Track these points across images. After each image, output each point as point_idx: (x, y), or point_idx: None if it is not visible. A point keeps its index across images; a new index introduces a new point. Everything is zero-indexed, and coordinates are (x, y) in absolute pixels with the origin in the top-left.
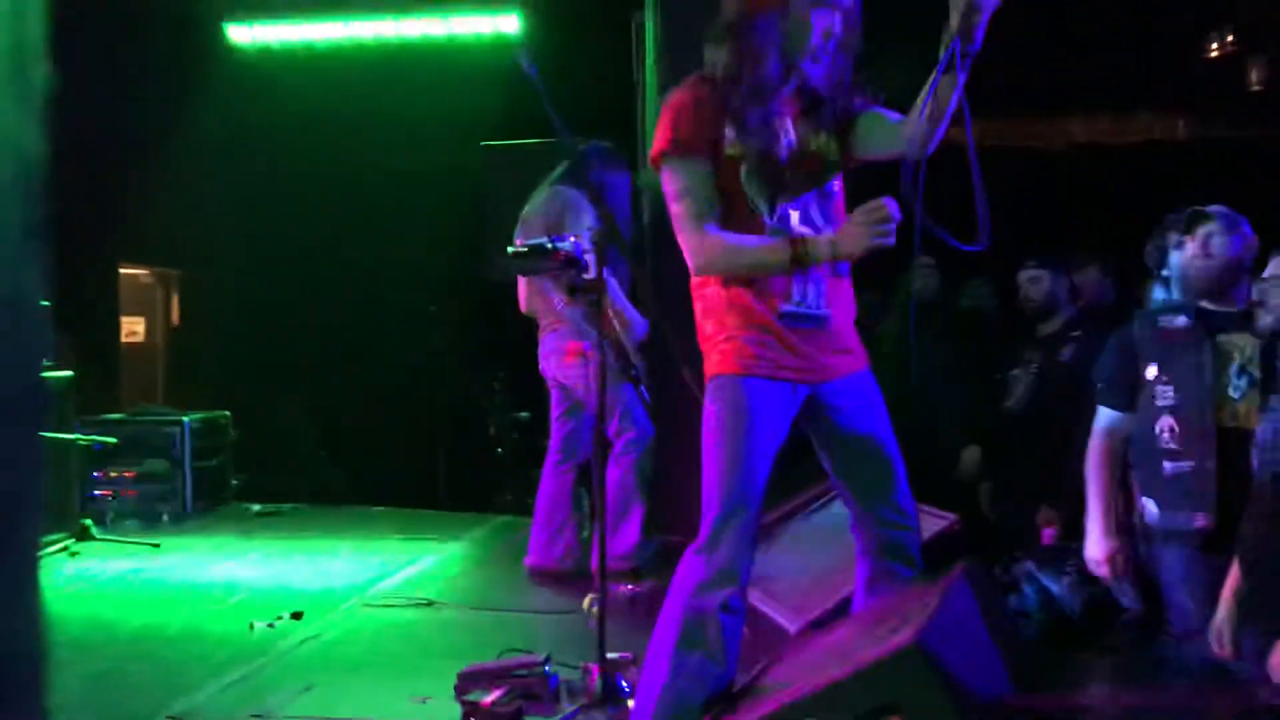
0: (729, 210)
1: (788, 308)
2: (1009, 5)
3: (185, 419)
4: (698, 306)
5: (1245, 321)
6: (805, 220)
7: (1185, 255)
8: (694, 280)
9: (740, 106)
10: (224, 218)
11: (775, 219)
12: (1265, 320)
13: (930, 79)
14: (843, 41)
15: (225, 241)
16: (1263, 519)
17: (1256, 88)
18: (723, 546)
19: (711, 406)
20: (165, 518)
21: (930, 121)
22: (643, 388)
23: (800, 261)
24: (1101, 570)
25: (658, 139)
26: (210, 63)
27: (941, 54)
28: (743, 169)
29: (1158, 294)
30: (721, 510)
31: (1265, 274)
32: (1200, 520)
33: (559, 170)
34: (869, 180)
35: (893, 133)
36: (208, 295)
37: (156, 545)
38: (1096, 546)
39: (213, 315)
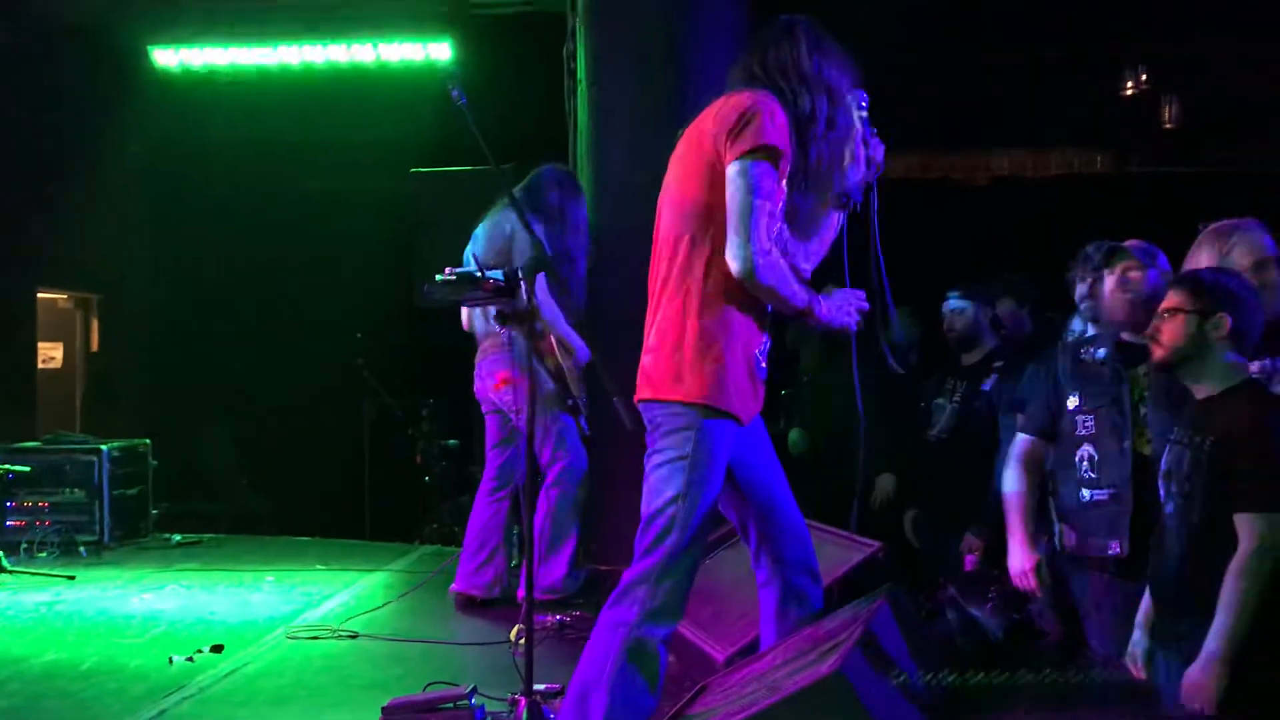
0: None
1: (760, 351)
2: (936, 39)
3: (104, 447)
4: (679, 314)
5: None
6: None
7: (1104, 289)
8: (690, 290)
9: (807, 158)
10: (146, 242)
11: (789, 258)
12: (1157, 353)
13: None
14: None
15: (147, 266)
16: (1177, 554)
17: (1169, 125)
18: (669, 585)
19: (675, 435)
20: (82, 549)
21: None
22: (582, 418)
23: (808, 312)
24: (1027, 581)
25: (763, 132)
26: (133, 86)
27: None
28: (786, 198)
29: (1075, 325)
30: (674, 550)
31: (1160, 308)
32: (1115, 547)
33: (514, 191)
34: None
35: None
36: (128, 320)
37: (71, 577)
38: (1019, 558)
39: (133, 341)
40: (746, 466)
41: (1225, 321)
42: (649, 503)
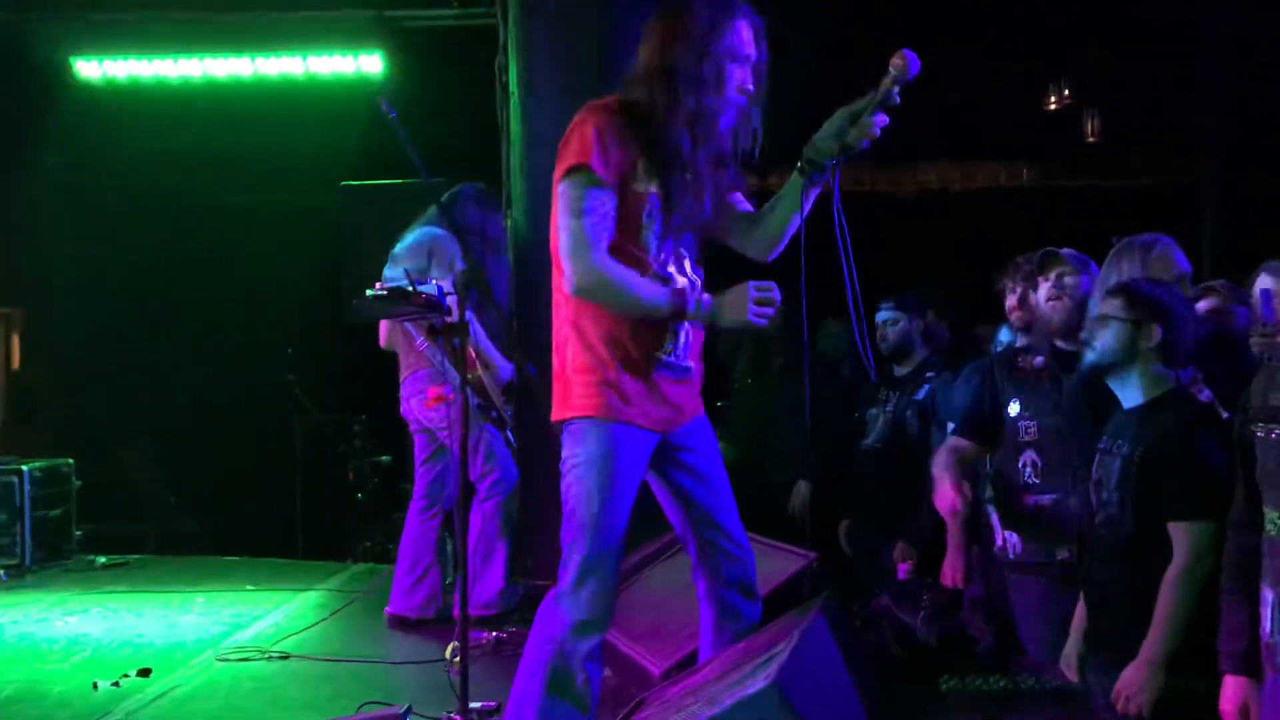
0: (620, 244)
1: (664, 357)
2: (862, 53)
3: (24, 467)
4: (566, 333)
5: None
6: (679, 266)
7: (1039, 294)
8: (569, 309)
9: (664, 146)
10: (69, 255)
11: (659, 262)
12: (1089, 358)
13: (787, 189)
14: (755, 96)
15: (69, 280)
16: (1108, 562)
17: (1091, 139)
18: (588, 594)
19: (577, 449)
20: (2, 573)
21: (783, 227)
22: (508, 431)
23: (677, 315)
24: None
25: (575, 151)
26: (55, 97)
27: (815, 157)
28: (646, 206)
29: (1003, 336)
30: (587, 557)
31: (1091, 314)
32: (1063, 553)
33: (432, 209)
34: None
35: (748, 227)
36: (50, 335)
37: None
38: (953, 566)
39: (55, 357)
40: (685, 476)
41: (1156, 332)
42: (563, 516)
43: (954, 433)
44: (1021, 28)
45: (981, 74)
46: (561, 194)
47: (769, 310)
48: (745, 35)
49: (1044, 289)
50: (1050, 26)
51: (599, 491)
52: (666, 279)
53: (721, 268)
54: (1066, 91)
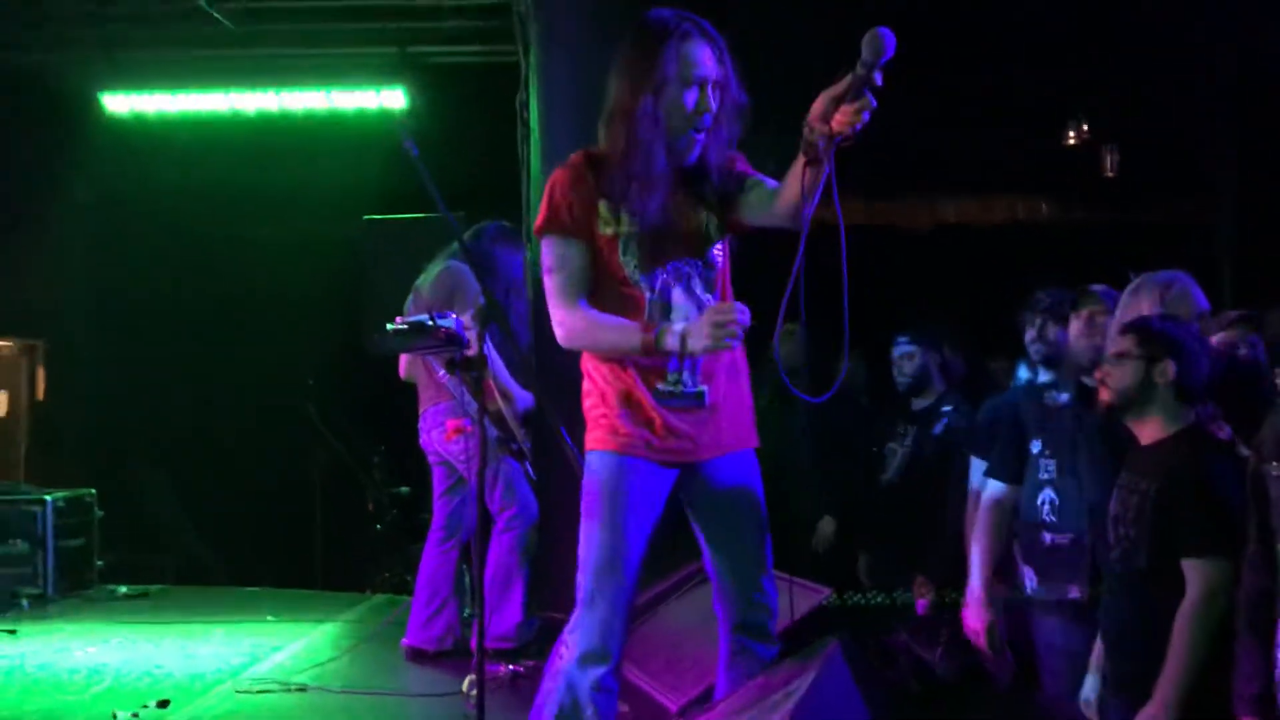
0: (609, 285)
1: (664, 387)
2: (882, 87)
3: (48, 497)
4: (584, 381)
5: None
6: (687, 292)
7: (1071, 333)
8: (583, 355)
9: (624, 187)
10: (94, 287)
11: (656, 293)
12: (1104, 396)
13: (799, 160)
14: (721, 111)
15: (95, 312)
16: (1125, 599)
17: (1109, 174)
18: (593, 626)
19: (586, 483)
20: (24, 602)
21: (800, 197)
22: (527, 464)
23: (649, 351)
24: (979, 641)
25: (539, 213)
26: (84, 131)
27: (810, 137)
28: (620, 244)
29: (1023, 371)
30: (592, 590)
31: (1108, 353)
32: (1074, 591)
33: (455, 244)
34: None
35: (770, 202)
36: (75, 367)
37: (13, 631)
38: (976, 617)
39: (80, 388)
40: (704, 514)
41: (1170, 368)
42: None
43: (987, 473)
44: (1040, 63)
45: (999, 109)
46: (538, 252)
47: (733, 331)
48: (695, 56)
49: (1075, 326)
50: (1068, 62)
51: (602, 523)
52: (667, 304)
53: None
54: (1085, 126)
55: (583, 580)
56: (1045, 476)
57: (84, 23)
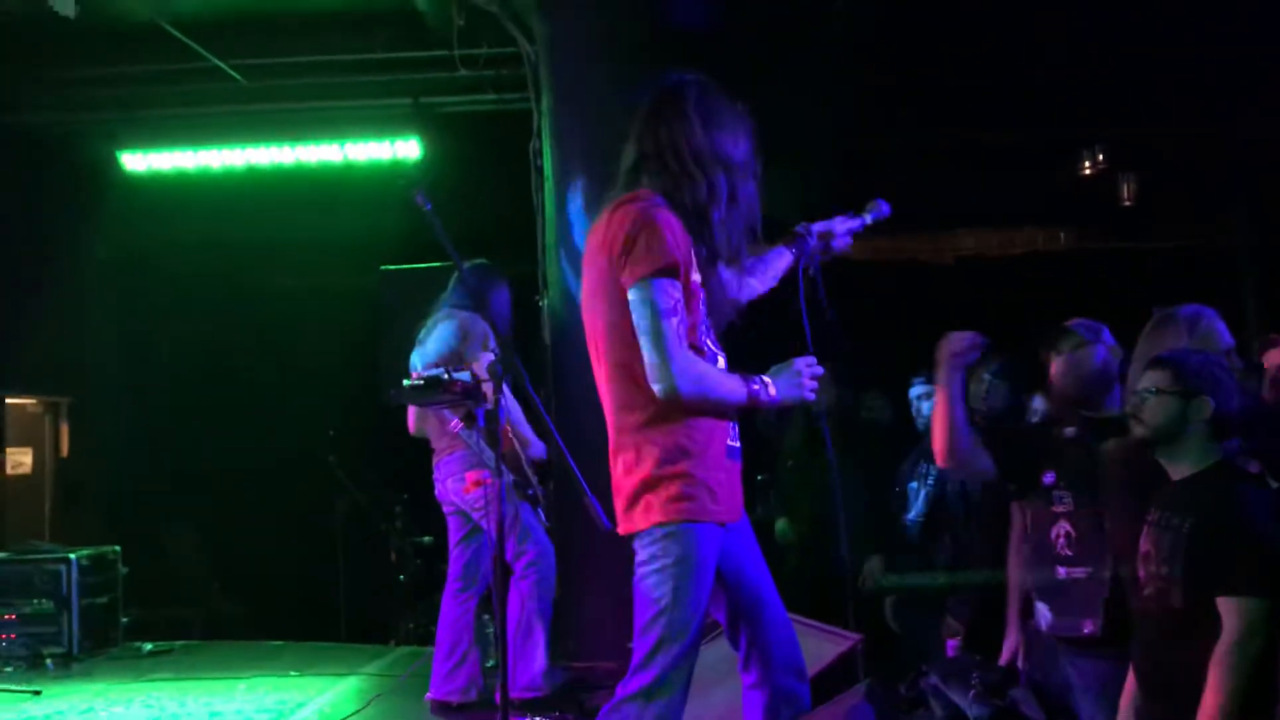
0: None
1: (733, 444)
2: (902, 122)
3: (72, 555)
4: (634, 441)
5: (1122, 426)
6: (715, 344)
7: (1055, 370)
8: (638, 414)
9: (713, 241)
10: (115, 343)
11: (706, 344)
12: (1138, 431)
13: (772, 251)
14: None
15: (116, 367)
16: (1157, 637)
17: (1127, 203)
18: (666, 695)
19: (660, 555)
20: (49, 662)
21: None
22: (540, 509)
23: (753, 404)
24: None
25: (653, 255)
26: (102, 189)
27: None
28: (700, 294)
29: (1037, 403)
30: (674, 660)
31: (1138, 386)
32: (1088, 626)
33: (447, 293)
34: None
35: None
36: (98, 423)
37: (37, 692)
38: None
39: (103, 444)
40: (734, 565)
41: (1208, 405)
42: (639, 617)
43: (1016, 498)
44: (1057, 95)
45: (1018, 141)
46: (648, 296)
47: (815, 386)
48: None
49: (1058, 363)
50: (1084, 94)
51: (686, 597)
52: (703, 353)
53: None
54: (1100, 157)
55: (660, 657)
56: (1060, 509)
57: (101, 83)
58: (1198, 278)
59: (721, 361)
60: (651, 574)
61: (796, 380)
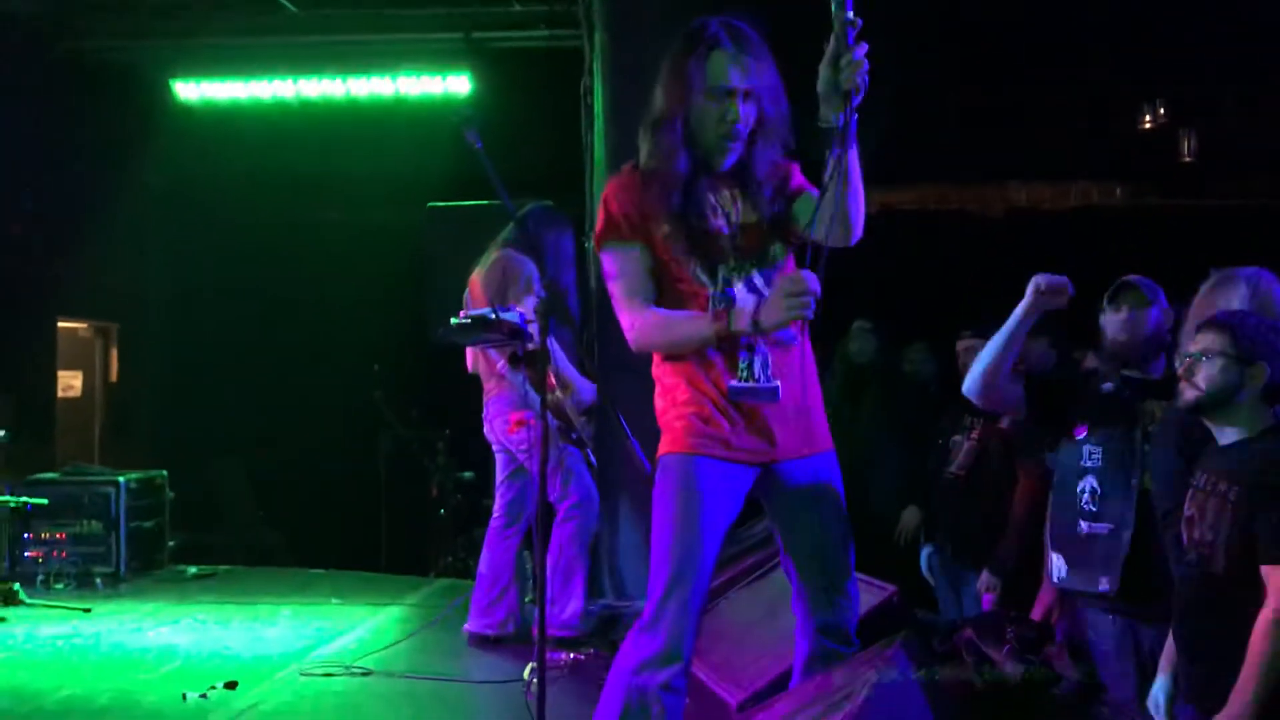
0: (674, 287)
1: (734, 383)
2: (955, 72)
3: (121, 479)
4: (656, 389)
5: (1163, 389)
6: (751, 290)
7: (1109, 326)
8: (653, 360)
9: (660, 194)
10: (166, 272)
11: (720, 292)
12: (1190, 395)
13: (829, 169)
14: (759, 123)
15: (166, 295)
16: (1200, 604)
17: (1187, 159)
18: (665, 625)
19: (660, 484)
20: (98, 581)
21: (833, 205)
22: (589, 452)
23: (721, 335)
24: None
25: (596, 225)
26: (155, 117)
27: (827, 123)
28: (675, 248)
29: (1090, 361)
30: (665, 590)
31: (1192, 348)
32: (1104, 584)
33: (504, 232)
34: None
35: (816, 221)
36: (147, 350)
37: (87, 610)
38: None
39: (152, 371)
40: (783, 516)
41: (1264, 371)
42: (650, 551)
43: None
44: (1117, 47)
45: (1075, 93)
46: (600, 264)
47: (806, 300)
48: (721, 68)
49: (1114, 320)
50: (1145, 46)
51: (677, 525)
52: (730, 299)
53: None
54: (1162, 111)
55: (656, 581)
56: (1089, 464)
57: (156, 12)
58: (1258, 238)
59: (741, 289)
60: (654, 509)
61: (777, 303)
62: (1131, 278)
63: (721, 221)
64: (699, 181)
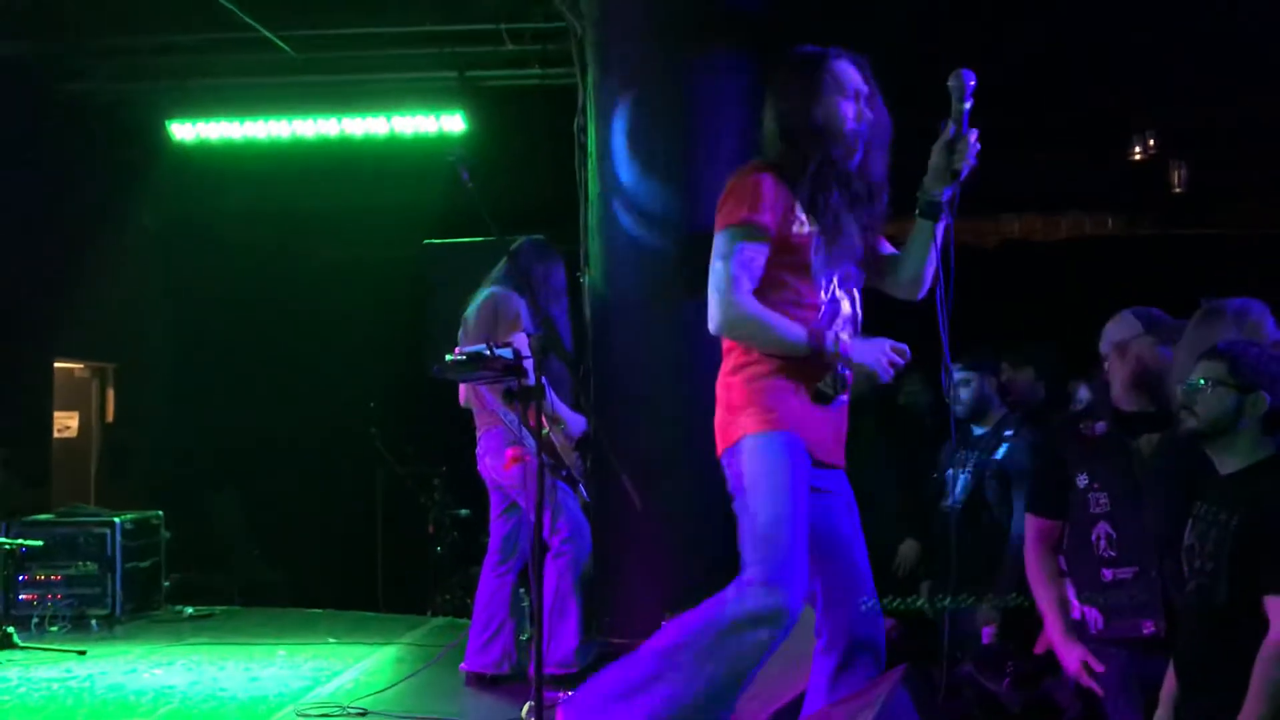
0: (792, 287)
1: (822, 388)
2: (945, 101)
3: (117, 519)
4: (727, 382)
5: (1160, 423)
6: (849, 296)
7: (1106, 358)
8: (730, 358)
9: (811, 192)
10: (163, 311)
11: (829, 295)
12: (1189, 423)
13: (915, 233)
14: (873, 127)
15: (163, 335)
16: (1201, 634)
17: (1178, 189)
18: (782, 585)
19: (748, 465)
20: (94, 622)
21: (916, 274)
22: (580, 486)
23: (814, 344)
24: (1085, 681)
25: (733, 208)
26: (151, 158)
27: (923, 208)
28: (813, 248)
29: (1082, 394)
30: (782, 552)
31: (1191, 378)
32: (1149, 626)
33: (496, 269)
34: None
35: (892, 268)
36: (144, 389)
37: (82, 652)
38: (1068, 658)
39: (148, 410)
40: (828, 525)
41: (1264, 399)
42: (741, 534)
43: (1027, 509)
44: (1107, 79)
45: (1066, 125)
46: (716, 243)
47: (897, 369)
48: (848, 73)
49: (1112, 350)
50: (1135, 78)
51: (779, 497)
52: (835, 311)
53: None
54: (1151, 142)
55: (765, 557)
56: (1097, 510)
57: (151, 52)
58: (1251, 267)
59: (846, 307)
60: (742, 490)
61: (879, 350)
62: (1127, 310)
63: (845, 226)
64: (831, 184)
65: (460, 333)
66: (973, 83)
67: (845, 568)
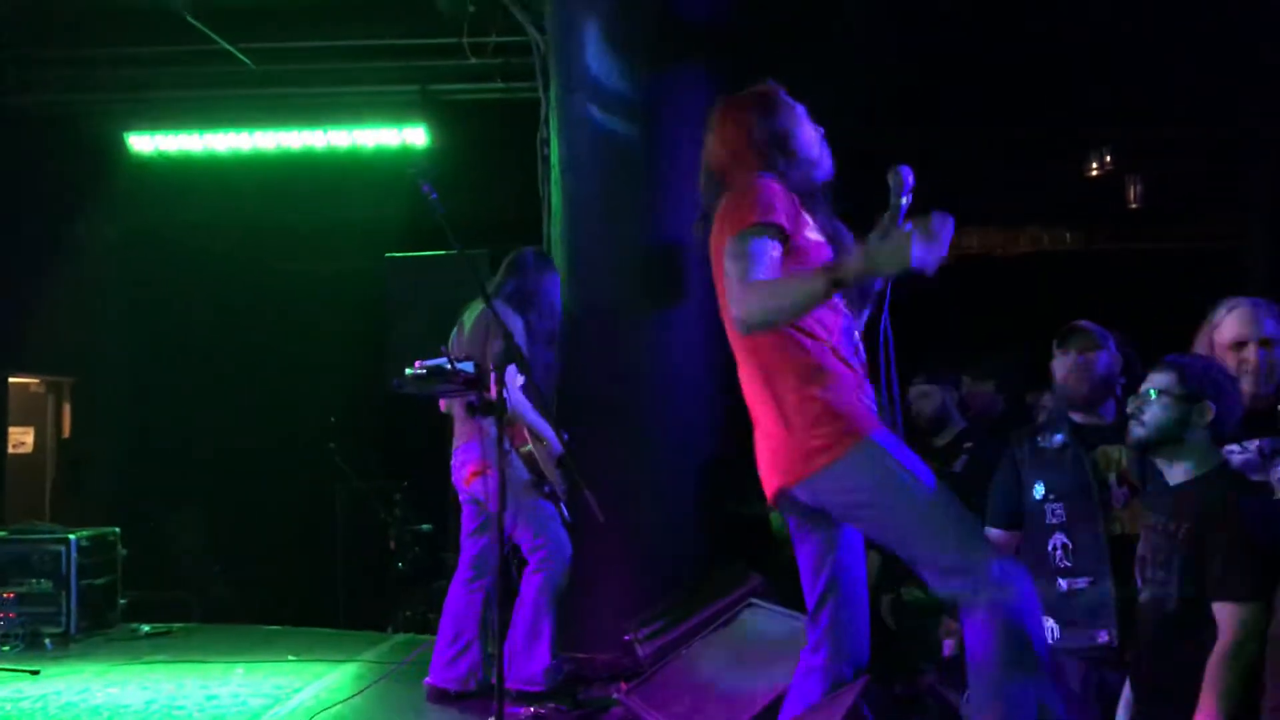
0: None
1: (857, 360)
2: (906, 120)
3: (71, 536)
4: (765, 397)
5: (1116, 434)
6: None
7: (1058, 370)
8: (762, 373)
9: (811, 205)
10: (120, 325)
11: (837, 308)
12: (1138, 433)
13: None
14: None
15: (120, 349)
16: (1154, 642)
17: (1133, 204)
18: (990, 559)
19: (863, 479)
20: (47, 641)
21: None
22: (562, 505)
23: (839, 283)
24: None
25: (743, 214)
26: (109, 171)
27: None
28: (818, 251)
29: (1047, 400)
30: (961, 548)
31: (1142, 387)
32: (1103, 636)
33: (498, 278)
34: None
35: None
36: (100, 404)
37: (35, 672)
38: None
39: (105, 426)
40: (846, 546)
41: (1210, 409)
42: (900, 546)
43: (986, 522)
44: (1063, 96)
45: (1024, 140)
46: (728, 249)
47: (939, 250)
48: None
49: (1064, 363)
50: (1091, 95)
51: (915, 490)
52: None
53: None
54: (1108, 158)
55: (951, 550)
56: (1054, 521)
57: (109, 64)
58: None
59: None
60: (868, 505)
61: (903, 248)
62: (1081, 323)
63: (832, 236)
64: (820, 199)
65: (453, 332)
66: (911, 180)
67: (851, 586)
